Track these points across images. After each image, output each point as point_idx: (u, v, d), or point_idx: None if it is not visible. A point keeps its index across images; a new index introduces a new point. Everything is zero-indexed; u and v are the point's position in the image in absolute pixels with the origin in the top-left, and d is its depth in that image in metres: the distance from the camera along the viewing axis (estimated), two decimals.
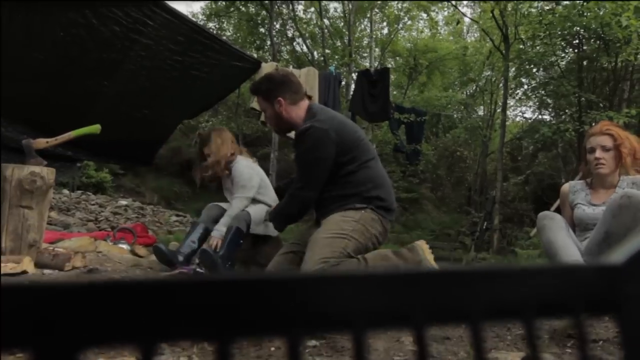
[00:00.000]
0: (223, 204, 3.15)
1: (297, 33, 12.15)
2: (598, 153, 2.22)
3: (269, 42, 11.23)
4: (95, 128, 2.69)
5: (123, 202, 7.63)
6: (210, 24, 13.62)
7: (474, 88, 13.55)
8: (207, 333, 0.22)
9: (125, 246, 3.44)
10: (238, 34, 13.39)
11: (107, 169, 9.56)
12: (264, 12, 11.55)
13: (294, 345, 0.22)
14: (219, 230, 2.82)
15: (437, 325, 0.22)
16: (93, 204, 7.24)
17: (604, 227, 2.02)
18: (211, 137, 3.04)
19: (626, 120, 6.02)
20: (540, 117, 10.14)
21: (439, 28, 13.50)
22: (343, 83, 8.01)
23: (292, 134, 2.25)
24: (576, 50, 8.13)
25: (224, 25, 14.42)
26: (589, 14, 6.63)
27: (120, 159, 5.41)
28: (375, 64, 11.06)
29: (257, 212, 2.91)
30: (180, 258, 2.78)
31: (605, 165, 2.20)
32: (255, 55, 8.31)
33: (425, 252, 2.28)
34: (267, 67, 4.80)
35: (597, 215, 2.18)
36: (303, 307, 0.22)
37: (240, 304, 0.22)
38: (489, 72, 12.02)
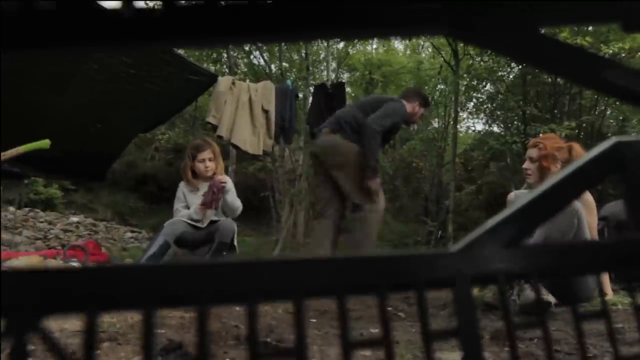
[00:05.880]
0: (187, 221, 3.03)
1: (253, 46, 12.19)
2: (526, 164, 2.44)
3: (225, 55, 11.18)
4: (45, 143, 2.64)
5: (74, 218, 7.35)
6: None
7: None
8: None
9: (76, 264, 3.34)
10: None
11: (56, 184, 9.19)
12: None
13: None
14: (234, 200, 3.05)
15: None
16: (42, 222, 6.94)
17: (543, 232, 2.20)
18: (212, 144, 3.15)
19: (568, 132, 6.41)
20: (490, 129, 10.60)
21: (393, 44, 13.91)
22: (300, 96, 8.08)
23: None
24: (520, 66, 8.57)
25: None
26: None
27: (70, 175, 5.24)
28: (332, 77, 11.23)
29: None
30: None
31: (531, 175, 2.40)
32: (212, 69, 8.28)
33: None
34: (223, 81, 4.82)
35: None
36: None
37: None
38: (442, 86, 12.45)
